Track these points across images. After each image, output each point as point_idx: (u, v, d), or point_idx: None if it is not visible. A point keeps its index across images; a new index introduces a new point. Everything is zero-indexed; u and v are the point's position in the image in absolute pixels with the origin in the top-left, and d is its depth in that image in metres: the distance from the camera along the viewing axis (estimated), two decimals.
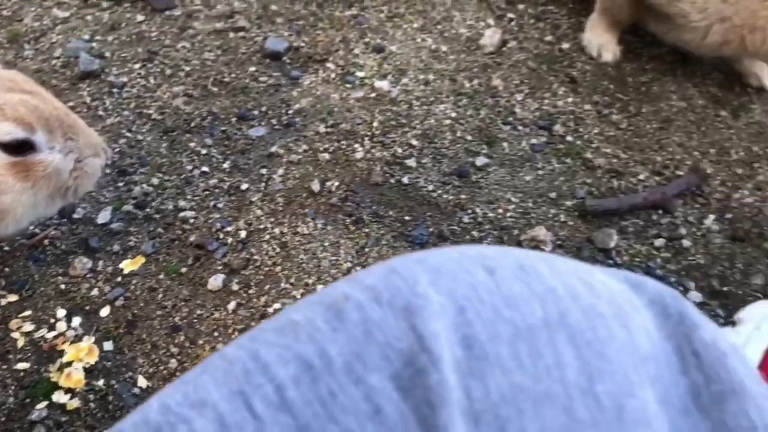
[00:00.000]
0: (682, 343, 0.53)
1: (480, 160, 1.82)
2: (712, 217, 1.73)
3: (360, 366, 0.46)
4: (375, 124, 1.89)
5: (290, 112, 1.91)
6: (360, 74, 2.04)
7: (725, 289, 1.56)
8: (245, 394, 0.46)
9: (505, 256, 0.55)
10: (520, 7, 2.35)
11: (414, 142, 1.85)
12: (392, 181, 1.75)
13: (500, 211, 1.70)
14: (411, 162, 1.80)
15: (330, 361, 0.47)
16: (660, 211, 1.73)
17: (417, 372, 0.46)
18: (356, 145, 1.83)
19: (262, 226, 1.63)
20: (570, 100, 2.02)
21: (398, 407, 0.45)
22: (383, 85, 2.00)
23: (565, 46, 2.21)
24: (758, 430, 0.48)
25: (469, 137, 1.88)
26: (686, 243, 1.66)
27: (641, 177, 1.81)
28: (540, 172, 1.81)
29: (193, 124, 1.86)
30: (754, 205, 1.77)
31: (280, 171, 1.75)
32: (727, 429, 0.48)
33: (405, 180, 1.75)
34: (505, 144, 1.87)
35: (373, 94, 1.98)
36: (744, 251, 1.66)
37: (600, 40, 2.17)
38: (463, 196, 1.73)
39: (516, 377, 0.46)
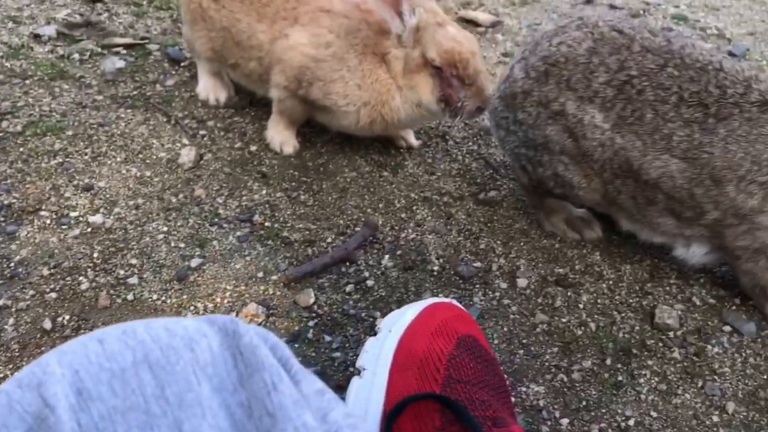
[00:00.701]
0: (234, 350, 0.86)
1: (195, 262, 2.11)
2: (387, 256, 2.17)
3: (5, 430, 0.74)
4: (95, 255, 2.11)
5: (12, 264, 2.07)
6: (74, 214, 2.26)
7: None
8: None
9: (115, 328, 0.85)
10: (210, 123, 2.72)
11: (134, 261, 2.11)
12: (119, 301, 1.98)
13: (218, 300, 2.00)
14: (133, 280, 2.04)
15: None
16: (347, 264, 2.14)
17: (42, 421, 0.74)
18: (81, 278, 2.04)
19: (2, 375, 1.77)
20: (264, 192, 2.41)
21: None
22: (97, 219, 2.23)
23: (254, 148, 2.61)
24: (269, 388, 0.81)
25: (182, 245, 2.18)
26: (370, 283, 2.08)
27: (329, 240, 2.22)
28: (248, 258, 2.14)
29: None
30: (416, 239, 2.25)
31: (11, 321, 1.90)
32: (254, 393, 0.82)
33: (130, 297, 1.99)
34: (215, 242, 2.19)
35: (89, 229, 2.20)
36: (414, 277, 2.11)
37: (281, 137, 2.60)
38: (185, 297, 2.00)
39: (110, 403, 0.76)
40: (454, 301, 1.57)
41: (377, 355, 1.40)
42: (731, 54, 3.48)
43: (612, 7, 3.92)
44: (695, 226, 1.98)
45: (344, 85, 2.35)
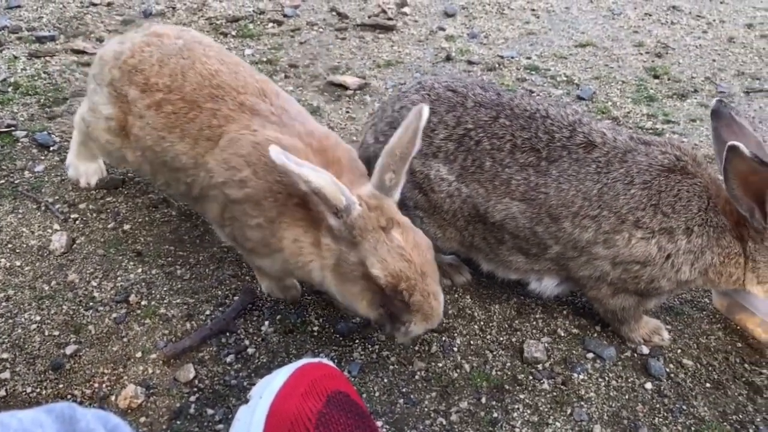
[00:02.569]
0: None
1: (70, 349, 2.08)
2: (267, 322, 2.21)
3: None
4: None
5: None
6: None
7: None
8: None
9: None
10: (82, 206, 2.70)
11: (5, 355, 2.05)
12: None
13: (96, 385, 1.97)
14: (5, 374, 1.99)
15: None
16: (227, 334, 2.16)
17: None
18: None
19: None
20: (140, 270, 2.40)
21: None
22: None
23: (127, 227, 2.61)
24: None
25: (56, 332, 2.14)
26: (251, 350, 2.11)
27: (208, 312, 2.24)
28: (125, 340, 2.13)
29: None
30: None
31: None
32: None
33: (2, 393, 1.93)
34: (90, 327, 2.17)
35: None
36: (295, 339, 2.16)
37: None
38: (61, 386, 1.97)
39: None
40: (324, 360, 1.63)
41: (248, 423, 1.43)
42: (580, 98, 3.78)
43: (470, 62, 4.18)
44: (542, 260, 2.15)
45: (261, 234, 1.97)
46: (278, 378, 1.50)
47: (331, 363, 1.64)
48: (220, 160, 2.01)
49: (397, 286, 1.74)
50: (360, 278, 1.79)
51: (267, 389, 1.47)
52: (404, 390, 2.02)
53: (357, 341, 2.18)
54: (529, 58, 4.29)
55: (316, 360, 1.61)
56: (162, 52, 2.27)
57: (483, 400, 2.01)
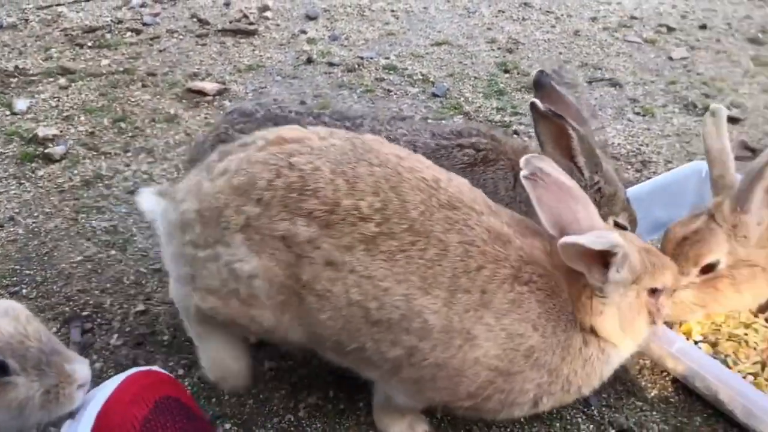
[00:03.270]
0: None
1: None
2: (115, 336, 2.22)
3: None
4: None
5: None
6: None
7: None
8: None
9: None
10: None
11: None
12: None
13: None
14: None
15: None
16: None
17: None
18: None
19: None
20: None
21: None
22: None
23: None
24: None
25: None
26: (98, 365, 2.10)
27: (54, 330, 2.21)
28: None
29: None
30: (146, 312, 2.31)
31: None
32: None
33: None
34: None
35: None
36: (145, 351, 2.18)
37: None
38: None
39: None
40: (155, 367, 1.66)
41: None
42: (434, 95, 3.94)
43: (330, 64, 4.26)
44: None
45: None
46: (105, 389, 1.52)
47: (162, 370, 1.67)
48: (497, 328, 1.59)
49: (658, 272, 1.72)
50: (636, 308, 1.70)
51: (93, 401, 1.49)
52: (254, 390, 2.07)
53: None
54: (387, 58, 4.42)
55: (145, 368, 1.63)
56: (329, 159, 1.62)
57: (331, 394, 2.08)
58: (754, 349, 2.27)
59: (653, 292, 1.72)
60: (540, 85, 2.26)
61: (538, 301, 1.60)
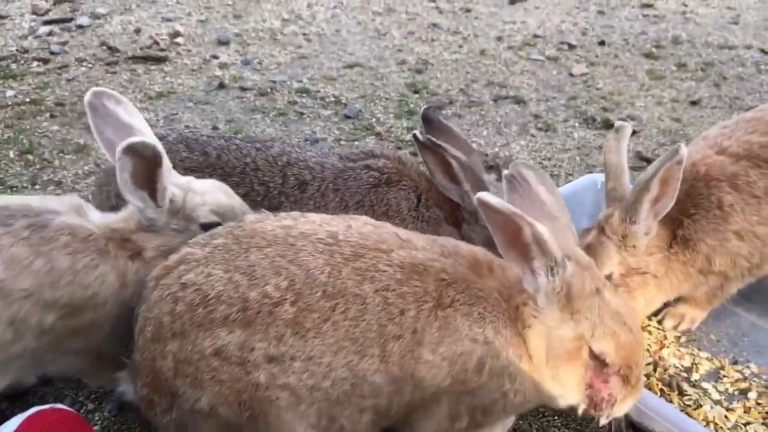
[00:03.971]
0: None
1: None
2: None
3: None
4: None
5: None
6: None
7: None
8: None
9: None
10: None
11: None
12: None
13: None
14: None
15: None
16: None
17: None
18: None
19: None
20: None
21: None
22: None
23: None
24: None
25: None
26: (3, 405, 2.07)
27: None
28: None
29: None
30: None
31: None
32: None
33: None
34: None
35: None
36: (53, 387, 2.15)
37: None
38: None
39: None
40: (59, 405, 1.67)
41: None
42: (347, 117, 4.03)
43: (243, 89, 4.30)
44: None
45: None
46: (7, 428, 1.52)
47: (67, 408, 1.68)
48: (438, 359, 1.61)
49: (629, 360, 1.58)
50: (571, 357, 1.60)
51: None
52: None
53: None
54: (300, 81, 4.49)
55: (48, 406, 1.64)
56: (217, 261, 1.59)
57: None
58: (647, 350, 2.42)
59: (597, 359, 1.58)
60: (428, 120, 2.39)
61: (463, 315, 1.58)
